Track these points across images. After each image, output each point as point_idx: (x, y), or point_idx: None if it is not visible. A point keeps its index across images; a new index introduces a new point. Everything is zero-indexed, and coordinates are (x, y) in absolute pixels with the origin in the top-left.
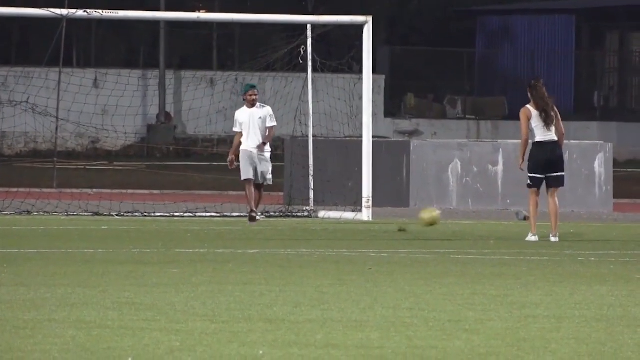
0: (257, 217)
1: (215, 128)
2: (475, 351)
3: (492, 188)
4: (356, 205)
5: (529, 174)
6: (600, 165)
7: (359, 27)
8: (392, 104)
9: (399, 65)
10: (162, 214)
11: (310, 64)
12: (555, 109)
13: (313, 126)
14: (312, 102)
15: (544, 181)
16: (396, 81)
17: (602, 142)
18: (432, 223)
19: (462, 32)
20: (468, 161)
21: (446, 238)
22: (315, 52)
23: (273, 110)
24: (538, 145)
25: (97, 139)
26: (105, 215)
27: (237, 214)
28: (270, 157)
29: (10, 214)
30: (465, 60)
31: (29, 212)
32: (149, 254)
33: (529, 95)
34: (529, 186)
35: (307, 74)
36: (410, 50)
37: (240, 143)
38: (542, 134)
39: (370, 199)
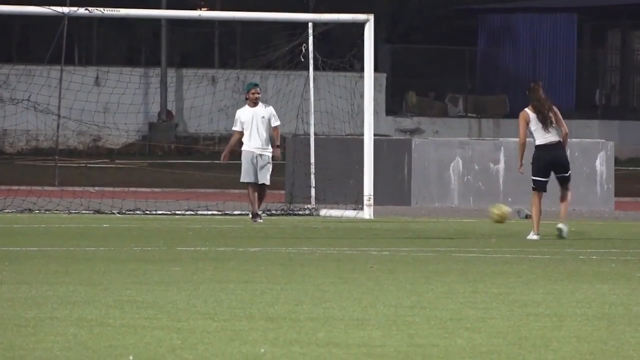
0: (260, 219)
1: (216, 126)
2: (476, 349)
3: (493, 186)
4: (357, 204)
5: (532, 177)
6: (602, 164)
7: (360, 25)
8: (393, 102)
9: (400, 63)
10: (163, 212)
11: (311, 62)
12: (555, 109)
13: (314, 124)
14: (314, 100)
15: (557, 180)
16: (397, 79)
17: (604, 140)
18: (501, 219)
19: (463, 30)
20: (469, 159)
21: (447, 236)
22: (317, 50)
23: (275, 109)
24: (539, 148)
25: (98, 137)
26: (106, 213)
27: (239, 212)
28: (273, 157)
29: (12, 212)
30: (466, 59)
31: (30, 210)
32: (151, 252)
33: (529, 98)
34: (533, 189)
35: (308, 72)
36: (411, 48)
37: (236, 143)
38: (542, 137)
39: (372, 197)
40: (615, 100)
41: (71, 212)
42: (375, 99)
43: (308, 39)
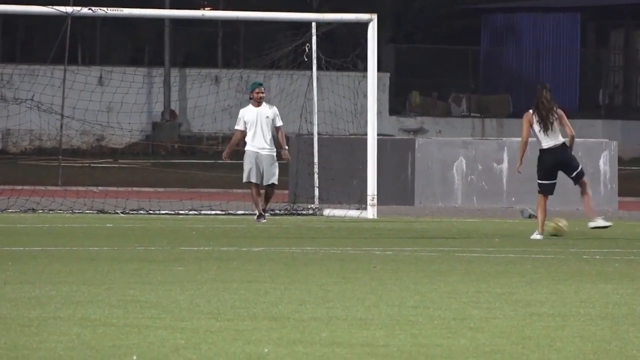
0: (264, 219)
1: (220, 126)
2: (480, 349)
3: (496, 186)
4: (361, 203)
5: (538, 180)
6: (605, 163)
7: (364, 25)
8: (396, 102)
9: (403, 63)
10: (167, 212)
11: (315, 61)
12: (560, 113)
13: (318, 124)
14: (317, 100)
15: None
16: (401, 79)
17: (607, 140)
18: (557, 232)
19: (466, 30)
20: (473, 159)
21: (451, 236)
22: (320, 49)
23: (279, 108)
24: (543, 152)
25: (102, 136)
26: (110, 213)
27: (242, 212)
28: (277, 155)
29: (15, 211)
30: (470, 58)
31: (33, 210)
32: (154, 251)
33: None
34: (538, 192)
35: (312, 72)
36: (415, 48)
37: (237, 142)
38: (544, 141)
39: (375, 196)
40: (618, 100)
41: (74, 212)
42: (378, 99)
43: (311, 38)
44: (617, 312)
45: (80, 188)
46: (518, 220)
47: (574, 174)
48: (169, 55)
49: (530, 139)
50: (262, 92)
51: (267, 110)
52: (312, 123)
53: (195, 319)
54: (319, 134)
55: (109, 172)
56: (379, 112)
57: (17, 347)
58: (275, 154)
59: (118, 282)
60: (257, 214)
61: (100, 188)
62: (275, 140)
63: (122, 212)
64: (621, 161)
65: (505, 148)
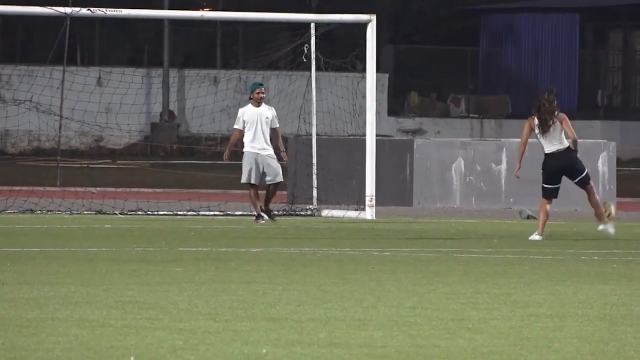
0: (263, 220)
1: (219, 126)
2: (478, 350)
3: (495, 187)
4: (359, 204)
5: (542, 184)
6: (604, 164)
7: (363, 26)
8: (395, 103)
9: (402, 63)
10: (165, 213)
11: (313, 62)
12: (562, 116)
13: (317, 124)
14: (316, 100)
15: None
16: (400, 80)
17: (606, 140)
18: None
19: (465, 31)
20: (471, 160)
21: (449, 237)
22: (319, 50)
23: (277, 109)
24: (547, 156)
25: (100, 137)
26: (108, 213)
27: (241, 213)
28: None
29: (14, 212)
30: (468, 59)
31: (32, 211)
32: (152, 252)
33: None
34: (542, 196)
35: (310, 73)
36: (413, 48)
37: (236, 141)
38: (547, 145)
39: (374, 197)
40: (617, 101)
41: (73, 213)
42: (377, 100)
43: (310, 39)
44: (615, 312)
45: (79, 189)
46: (516, 221)
47: (578, 178)
48: (167, 55)
49: (534, 141)
50: (263, 93)
51: (267, 111)
52: (310, 124)
53: (194, 319)
54: (317, 134)
55: (107, 172)
56: (378, 113)
57: (15, 348)
58: (273, 152)
59: (116, 283)
60: (256, 214)
61: (98, 189)
62: (271, 142)
63: (120, 213)
64: (620, 162)
65: (504, 149)
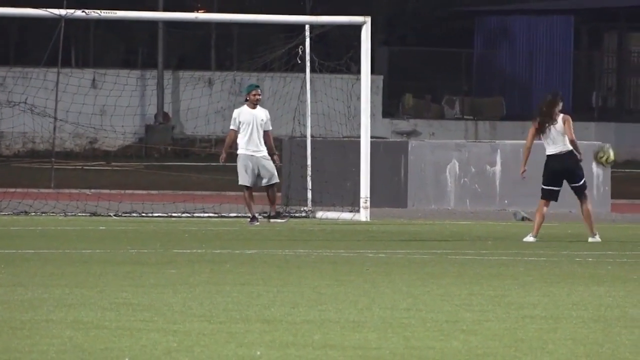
0: (257, 222)
1: (213, 128)
2: (472, 352)
3: (489, 188)
4: (354, 206)
5: (541, 185)
6: (598, 166)
7: (357, 28)
8: (390, 104)
9: (397, 65)
10: (159, 214)
11: (308, 64)
12: (565, 117)
13: (311, 126)
14: (310, 102)
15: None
16: (394, 81)
17: (600, 142)
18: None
19: (460, 33)
20: (466, 162)
21: (444, 238)
22: (314, 52)
23: (272, 111)
24: (548, 157)
25: (95, 139)
26: (103, 215)
27: (235, 214)
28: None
29: (8, 214)
30: (463, 61)
31: (26, 213)
32: (147, 254)
33: None
34: (541, 196)
35: (305, 74)
36: (408, 50)
37: (232, 142)
38: (547, 147)
39: (368, 199)
40: (611, 102)
41: (67, 215)
42: (371, 101)
43: (305, 41)
44: (609, 314)
45: (73, 190)
46: (511, 223)
47: (575, 184)
48: (162, 57)
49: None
50: (259, 95)
51: (262, 114)
52: (305, 125)
53: (188, 321)
54: (312, 136)
55: (102, 174)
56: (372, 115)
57: (9, 350)
58: (266, 152)
59: (110, 284)
60: (251, 216)
61: (93, 190)
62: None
63: (114, 215)
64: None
65: (499, 150)
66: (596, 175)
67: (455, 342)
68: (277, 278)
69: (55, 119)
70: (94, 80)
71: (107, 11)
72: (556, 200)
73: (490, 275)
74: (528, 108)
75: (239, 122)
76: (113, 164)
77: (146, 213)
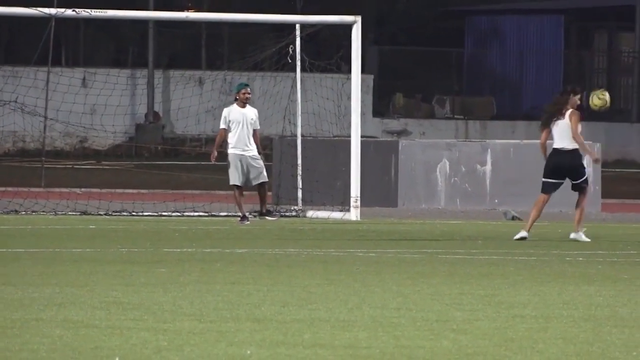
0: (247, 221)
1: (203, 127)
2: (462, 351)
3: (480, 188)
4: (344, 205)
5: (542, 178)
6: (588, 165)
7: (348, 27)
8: (380, 104)
9: (387, 65)
10: (150, 213)
11: (298, 63)
12: (571, 113)
13: (301, 126)
14: (301, 101)
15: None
16: (385, 81)
17: (591, 142)
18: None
19: (450, 32)
20: (456, 161)
21: (434, 238)
22: (304, 51)
23: (262, 110)
24: (552, 151)
25: (85, 138)
26: (93, 214)
27: (225, 214)
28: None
29: None
30: (453, 60)
31: (16, 212)
32: (137, 253)
33: None
34: (541, 190)
35: (295, 74)
36: (398, 50)
37: (222, 141)
38: (555, 141)
39: (359, 198)
40: None
41: (57, 214)
42: (362, 101)
43: (295, 40)
44: (599, 313)
45: (64, 189)
46: (501, 222)
47: (577, 181)
48: (152, 56)
49: (516, 142)
50: (249, 93)
51: (252, 112)
52: (295, 125)
53: (178, 320)
54: (302, 135)
55: (92, 173)
56: (363, 114)
57: None
58: (256, 152)
59: (101, 283)
60: (241, 215)
61: (83, 189)
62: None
63: (105, 214)
64: (604, 163)
65: (489, 150)
66: (587, 174)
67: (445, 341)
68: (268, 277)
69: (46, 118)
70: (84, 79)
71: (98, 10)
72: (553, 192)
73: (480, 275)
74: (518, 108)
75: (229, 121)
76: (103, 163)
77: (136, 212)
